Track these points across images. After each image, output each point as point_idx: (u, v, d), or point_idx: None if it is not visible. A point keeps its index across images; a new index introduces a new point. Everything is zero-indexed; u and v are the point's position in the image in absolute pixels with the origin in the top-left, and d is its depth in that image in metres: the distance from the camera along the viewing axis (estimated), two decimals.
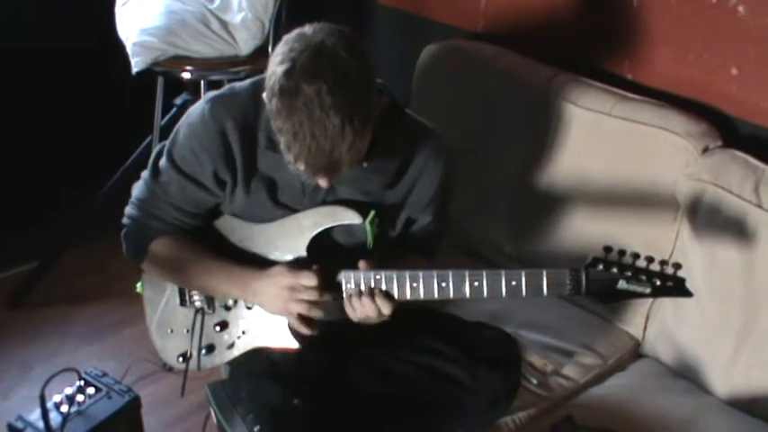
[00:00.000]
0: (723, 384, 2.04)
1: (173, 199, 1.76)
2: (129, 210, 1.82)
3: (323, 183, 1.59)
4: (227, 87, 1.72)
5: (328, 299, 1.71)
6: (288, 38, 1.50)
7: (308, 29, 1.50)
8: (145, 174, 1.80)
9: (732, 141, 2.12)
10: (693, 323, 2.08)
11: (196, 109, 1.71)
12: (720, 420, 1.99)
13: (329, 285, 1.70)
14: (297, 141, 1.46)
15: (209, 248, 1.78)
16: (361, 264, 1.67)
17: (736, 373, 2.01)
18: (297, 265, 1.71)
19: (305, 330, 1.73)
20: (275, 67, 1.47)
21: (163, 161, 1.75)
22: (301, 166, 1.51)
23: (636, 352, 2.26)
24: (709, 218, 2.00)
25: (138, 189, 1.82)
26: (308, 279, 1.67)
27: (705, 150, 2.07)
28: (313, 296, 1.69)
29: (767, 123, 2.15)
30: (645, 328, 2.24)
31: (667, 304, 2.15)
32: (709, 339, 2.06)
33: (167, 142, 1.76)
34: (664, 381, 2.14)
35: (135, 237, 1.82)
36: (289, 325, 1.76)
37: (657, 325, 2.20)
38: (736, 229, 1.94)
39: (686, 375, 2.13)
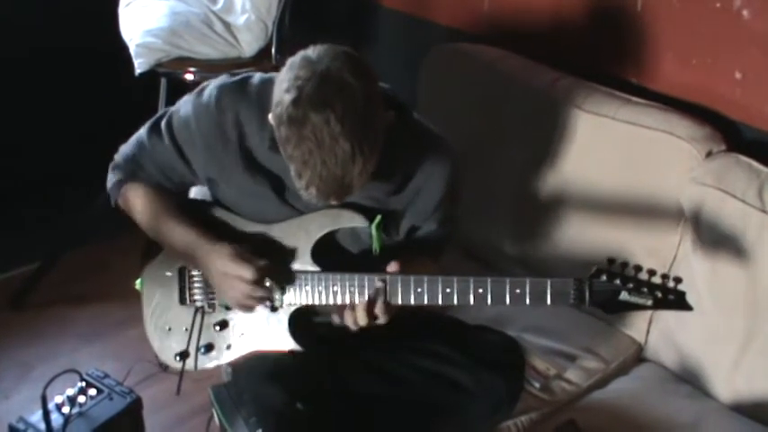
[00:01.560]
0: (726, 389, 2.04)
1: (159, 159, 1.78)
2: (120, 154, 1.84)
3: (333, 202, 1.59)
4: (239, 78, 1.73)
5: (266, 295, 1.71)
6: (292, 63, 1.50)
7: (312, 53, 1.49)
8: (143, 129, 1.82)
9: (736, 146, 2.12)
10: (696, 327, 2.08)
11: (205, 91, 1.73)
12: (723, 425, 1.98)
13: (280, 281, 1.72)
14: (308, 169, 1.47)
15: (184, 209, 1.80)
16: (390, 267, 1.67)
17: (739, 377, 2.01)
18: (245, 254, 1.69)
19: (242, 310, 1.76)
20: (282, 94, 1.47)
21: (163, 123, 1.78)
22: (313, 192, 1.50)
23: (638, 356, 2.26)
24: (712, 222, 2.00)
25: (130, 144, 1.83)
26: (246, 272, 1.67)
27: (709, 154, 2.07)
28: (247, 290, 1.69)
29: None
30: (647, 332, 2.24)
31: None
32: (712, 344, 2.06)
33: (172, 108, 1.79)
34: (666, 385, 2.14)
35: (123, 171, 1.82)
36: (289, 328, 1.76)
37: (660, 329, 2.20)
38: (740, 234, 1.94)
39: (689, 380, 2.13)
